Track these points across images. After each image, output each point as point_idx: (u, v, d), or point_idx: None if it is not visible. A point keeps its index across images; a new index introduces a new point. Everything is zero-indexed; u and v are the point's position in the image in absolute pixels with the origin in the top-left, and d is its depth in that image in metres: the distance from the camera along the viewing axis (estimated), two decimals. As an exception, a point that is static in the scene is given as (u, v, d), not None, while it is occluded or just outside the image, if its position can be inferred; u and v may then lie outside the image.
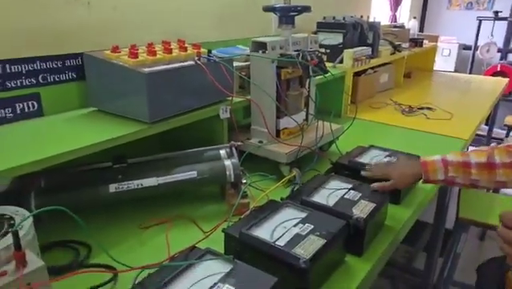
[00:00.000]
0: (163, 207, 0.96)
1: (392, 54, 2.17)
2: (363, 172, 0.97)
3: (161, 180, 0.91)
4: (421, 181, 0.88)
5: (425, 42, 2.68)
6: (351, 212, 0.81)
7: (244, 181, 0.99)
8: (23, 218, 0.57)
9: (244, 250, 0.71)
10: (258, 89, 1.13)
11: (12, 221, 0.62)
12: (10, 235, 0.58)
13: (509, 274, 0.65)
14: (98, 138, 0.85)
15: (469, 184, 0.81)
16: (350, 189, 0.90)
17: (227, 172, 0.95)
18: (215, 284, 0.59)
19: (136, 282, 0.63)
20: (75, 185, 0.89)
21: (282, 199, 0.89)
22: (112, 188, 0.88)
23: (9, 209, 0.65)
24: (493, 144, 0.90)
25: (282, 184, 1.01)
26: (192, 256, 0.67)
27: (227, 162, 0.96)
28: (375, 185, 0.89)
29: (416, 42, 2.55)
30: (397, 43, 2.25)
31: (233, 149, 1.01)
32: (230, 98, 1.13)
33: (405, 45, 2.37)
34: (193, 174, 0.93)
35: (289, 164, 1.11)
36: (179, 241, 0.80)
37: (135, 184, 0.89)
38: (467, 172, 0.80)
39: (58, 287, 0.64)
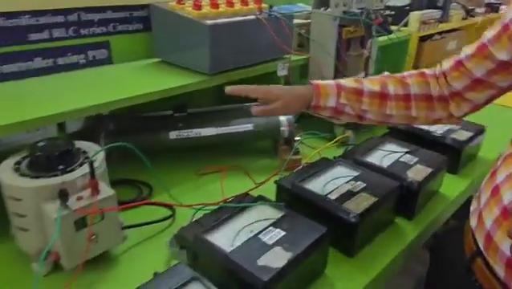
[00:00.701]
0: (219, 157, 1.01)
1: (464, 19, 2.00)
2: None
3: (219, 130, 0.94)
4: (311, 108, 0.71)
5: (503, 8, 2.44)
6: (405, 174, 0.79)
7: (297, 138, 1.00)
8: (97, 150, 0.62)
9: (295, 201, 0.72)
10: (318, 47, 1.11)
11: (86, 154, 0.68)
12: (85, 166, 0.64)
13: (478, 261, 0.56)
14: (161, 86, 0.89)
15: (357, 115, 0.70)
16: (406, 153, 0.88)
17: (281, 128, 0.97)
18: (267, 227, 0.61)
19: (193, 220, 0.67)
20: (139, 130, 0.95)
21: (334, 158, 0.88)
22: (173, 135, 0.93)
23: (83, 144, 0.71)
24: (386, 73, 0.75)
25: (334, 143, 1.01)
26: (245, 201, 0.70)
27: (282, 118, 0.98)
28: (253, 109, 0.71)
29: (493, 8, 2.33)
30: (471, 8, 2.07)
31: (289, 106, 1.01)
32: (289, 55, 1.11)
33: (480, 10, 2.18)
34: (248, 127, 0.95)
35: (343, 125, 1.10)
36: (232, 189, 0.83)
37: (194, 132, 0.93)
38: (359, 100, 0.69)
39: (123, 217, 0.70)
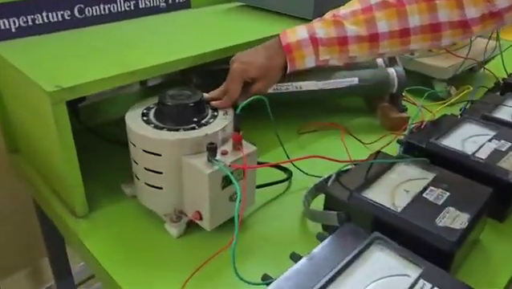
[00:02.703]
0: (313, 115, 1.00)
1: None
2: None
3: (321, 84, 0.93)
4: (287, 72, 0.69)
5: None
6: (552, 135, 0.78)
7: (403, 94, 0.99)
8: (244, 102, 0.61)
9: (431, 160, 0.72)
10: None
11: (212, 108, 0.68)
12: (219, 118, 0.65)
13: None
14: (256, 34, 0.85)
15: (344, 63, 0.68)
16: (541, 111, 0.86)
17: (390, 81, 0.95)
18: (427, 186, 0.62)
19: (331, 179, 0.67)
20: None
21: (452, 115, 0.87)
22: (271, 89, 0.91)
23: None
24: None
25: (446, 103, 0.99)
26: (380, 159, 0.70)
27: (391, 70, 0.96)
28: (215, 103, 0.67)
29: None
30: None
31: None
32: None
33: None
34: (354, 81, 0.94)
35: (445, 80, 1.09)
36: (338, 148, 0.85)
37: (293, 86, 0.92)
38: (343, 50, 0.63)
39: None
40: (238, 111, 0.60)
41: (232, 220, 0.64)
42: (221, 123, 0.63)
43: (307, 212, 0.68)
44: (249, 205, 0.68)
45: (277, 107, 0.97)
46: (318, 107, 1.03)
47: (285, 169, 0.80)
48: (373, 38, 0.62)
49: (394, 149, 0.80)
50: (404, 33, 0.62)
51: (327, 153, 0.73)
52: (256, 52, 0.69)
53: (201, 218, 0.61)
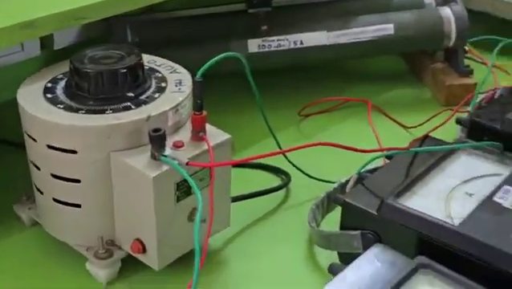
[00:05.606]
0: (325, 86, 1.03)
1: None
2: None
3: (334, 36, 0.94)
4: None
5: None
6: None
7: (466, 48, 1.01)
8: (210, 62, 0.61)
9: (509, 148, 0.73)
10: None
11: (157, 74, 0.70)
12: (168, 92, 0.66)
13: None
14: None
15: None
16: None
17: (445, 28, 0.97)
18: (500, 186, 0.63)
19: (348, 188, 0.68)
20: (186, 40, 0.95)
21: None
22: (253, 46, 0.93)
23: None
24: None
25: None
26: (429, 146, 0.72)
27: (445, 10, 0.97)
28: None
29: None
30: None
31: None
32: None
33: None
34: (387, 29, 0.95)
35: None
36: (362, 136, 0.87)
37: (290, 41, 0.94)
38: None
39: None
40: (199, 76, 0.60)
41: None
42: (171, 99, 0.64)
43: (316, 234, 0.69)
44: (222, 228, 0.69)
45: (265, 74, 1.00)
46: (331, 75, 1.05)
47: (280, 171, 0.82)
48: None
49: (451, 133, 0.82)
50: None
51: (345, 143, 0.76)
52: None
53: (144, 251, 0.62)
